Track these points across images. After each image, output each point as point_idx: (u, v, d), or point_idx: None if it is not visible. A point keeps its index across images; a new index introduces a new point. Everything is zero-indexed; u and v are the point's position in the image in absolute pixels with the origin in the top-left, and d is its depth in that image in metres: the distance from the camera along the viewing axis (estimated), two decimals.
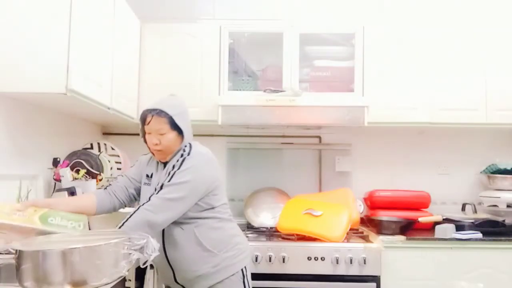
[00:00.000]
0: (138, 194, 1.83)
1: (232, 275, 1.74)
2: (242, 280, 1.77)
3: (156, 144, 1.70)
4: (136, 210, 1.58)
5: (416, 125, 2.76)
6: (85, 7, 1.94)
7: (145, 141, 1.78)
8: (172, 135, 1.71)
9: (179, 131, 1.73)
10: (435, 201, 2.94)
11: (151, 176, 1.79)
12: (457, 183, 3.08)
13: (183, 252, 1.71)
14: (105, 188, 1.83)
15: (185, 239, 1.70)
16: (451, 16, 3.05)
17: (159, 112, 1.69)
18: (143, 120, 1.74)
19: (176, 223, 1.67)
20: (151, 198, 1.60)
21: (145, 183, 1.80)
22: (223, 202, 1.79)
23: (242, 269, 1.78)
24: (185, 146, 1.75)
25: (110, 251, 1.31)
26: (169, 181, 1.62)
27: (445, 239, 2.45)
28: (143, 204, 1.59)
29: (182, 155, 1.70)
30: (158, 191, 1.61)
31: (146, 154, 1.90)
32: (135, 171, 1.86)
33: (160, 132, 1.69)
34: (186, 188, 1.63)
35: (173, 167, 1.66)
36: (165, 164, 1.77)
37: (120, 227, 1.54)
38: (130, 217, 1.56)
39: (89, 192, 1.85)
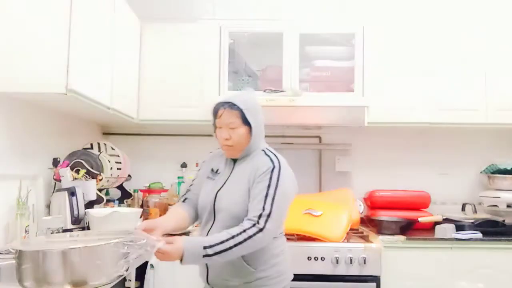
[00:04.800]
0: None
1: None
2: None
3: (227, 139, 1.66)
4: (246, 239, 1.50)
5: (416, 125, 2.76)
6: (85, 6, 1.95)
7: (217, 137, 1.73)
8: (243, 130, 1.66)
9: (250, 127, 1.68)
10: (435, 201, 2.94)
11: (217, 172, 1.75)
12: (457, 183, 3.08)
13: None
14: (184, 201, 1.79)
15: None
16: (451, 16, 3.05)
17: (231, 105, 1.64)
18: (215, 113, 1.69)
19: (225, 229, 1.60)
20: (263, 228, 1.53)
21: (208, 177, 1.75)
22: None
23: None
24: (268, 150, 1.72)
25: (110, 251, 1.31)
26: (272, 201, 1.57)
27: (445, 239, 2.45)
28: (257, 232, 1.52)
29: (273, 165, 1.64)
30: (267, 217, 1.54)
31: (212, 151, 1.86)
32: (202, 177, 1.79)
33: (231, 126, 1.65)
34: (287, 206, 1.66)
35: (270, 178, 1.61)
36: (234, 161, 1.73)
37: (227, 249, 1.48)
38: (239, 243, 1.49)
39: (178, 208, 1.77)
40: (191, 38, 2.79)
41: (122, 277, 1.42)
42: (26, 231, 1.91)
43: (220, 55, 2.78)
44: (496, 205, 2.78)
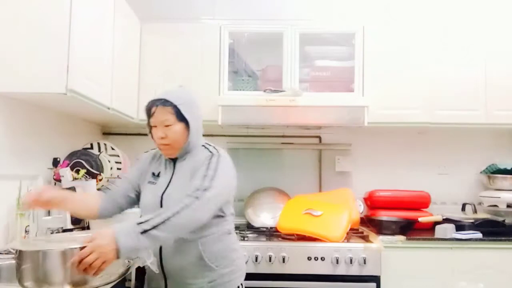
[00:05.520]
0: (139, 197, 1.70)
1: None
2: None
3: (163, 138, 1.58)
4: (183, 208, 1.39)
5: (416, 125, 2.76)
6: (85, 7, 1.95)
7: (152, 137, 1.65)
8: (179, 126, 1.59)
9: (188, 124, 1.60)
10: (435, 201, 2.95)
11: (158, 175, 1.67)
12: (457, 183, 3.08)
13: (181, 261, 1.58)
14: (104, 191, 1.69)
15: (186, 249, 1.57)
16: (451, 16, 3.05)
17: (164, 102, 1.57)
18: (148, 112, 1.62)
19: None
20: (201, 196, 1.43)
21: (149, 182, 1.67)
22: (231, 211, 1.70)
23: (238, 286, 1.69)
24: (207, 144, 1.66)
25: None
26: (211, 180, 1.49)
27: (445, 239, 2.45)
28: (194, 200, 1.42)
29: (212, 154, 1.59)
30: (204, 191, 1.45)
31: (150, 150, 1.79)
32: (136, 173, 1.72)
33: (165, 123, 1.58)
34: (226, 188, 1.56)
35: (209, 163, 1.54)
36: (174, 161, 1.67)
37: (164, 220, 1.35)
38: (177, 213, 1.37)
39: (95, 195, 1.69)
40: (191, 38, 2.79)
41: (122, 277, 1.42)
42: (26, 231, 1.91)
43: (220, 55, 2.78)
44: (496, 205, 2.78)
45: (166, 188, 1.61)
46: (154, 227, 1.31)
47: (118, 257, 1.26)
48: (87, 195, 1.68)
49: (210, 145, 1.67)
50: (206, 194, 1.44)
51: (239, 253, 1.73)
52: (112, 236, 1.26)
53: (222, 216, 1.63)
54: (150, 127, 1.64)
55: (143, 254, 1.41)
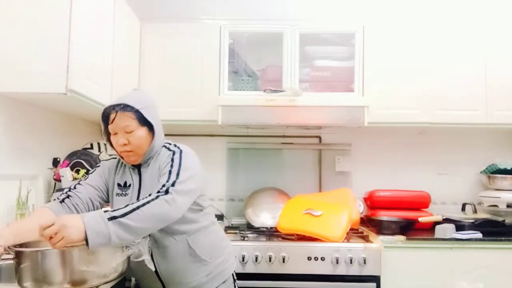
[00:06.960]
0: (102, 206, 1.64)
1: (224, 282, 1.69)
2: (233, 285, 1.74)
3: (125, 145, 1.52)
4: (153, 199, 1.36)
5: (416, 125, 2.76)
6: (85, 7, 1.95)
7: (111, 145, 1.58)
8: (142, 131, 1.54)
9: (149, 127, 1.56)
10: (435, 201, 2.95)
11: (127, 186, 1.60)
12: (457, 183, 3.08)
13: (175, 264, 1.59)
14: (62, 201, 1.54)
15: (178, 250, 1.58)
16: (451, 15, 3.05)
17: (124, 107, 1.51)
18: (106, 119, 1.54)
19: (168, 233, 1.54)
20: (169, 190, 1.40)
21: (118, 194, 1.61)
22: (208, 203, 1.71)
23: (232, 274, 1.74)
24: (168, 144, 1.63)
25: (109, 250, 1.31)
26: (177, 174, 1.46)
27: (445, 239, 2.45)
28: (163, 194, 1.38)
29: (173, 152, 1.55)
30: (172, 186, 1.42)
31: (108, 159, 1.72)
32: (99, 180, 1.64)
33: (127, 129, 1.51)
34: (194, 181, 1.49)
35: (172, 160, 1.51)
36: (138, 168, 1.61)
37: (133, 209, 1.32)
38: (147, 203, 1.34)
39: (46, 209, 1.49)
40: (191, 38, 2.80)
41: (122, 277, 1.42)
42: None
43: (220, 55, 2.78)
44: (496, 205, 2.78)
45: (138, 197, 1.57)
46: (122, 215, 1.28)
47: (87, 243, 1.21)
48: (40, 218, 1.44)
49: (170, 143, 1.64)
50: (174, 188, 1.41)
51: (227, 240, 1.79)
52: (79, 219, 1.22)
53: (201, 210, 1.64)
54: (108, 134, 1.58)
55: (135, 248, 1.42)
